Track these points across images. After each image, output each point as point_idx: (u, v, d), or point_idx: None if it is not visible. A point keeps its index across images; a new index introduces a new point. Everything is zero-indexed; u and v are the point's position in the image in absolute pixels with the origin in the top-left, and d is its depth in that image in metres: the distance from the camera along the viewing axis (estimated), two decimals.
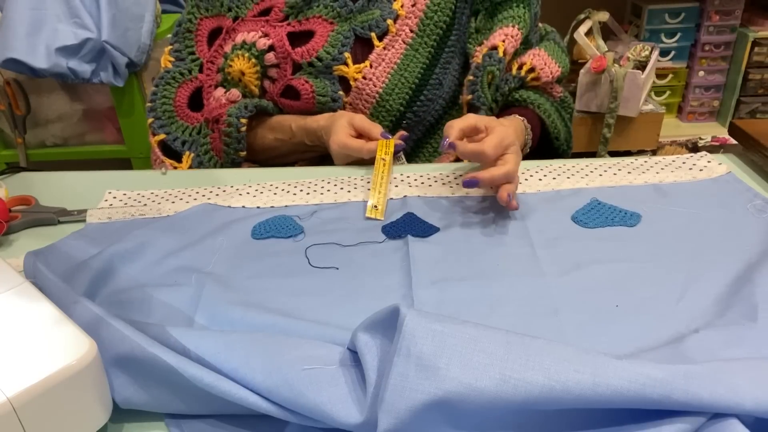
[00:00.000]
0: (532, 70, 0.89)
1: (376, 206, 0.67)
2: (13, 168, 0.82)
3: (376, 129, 0.79)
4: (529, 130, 0.83)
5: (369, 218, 0.66)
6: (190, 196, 0.73)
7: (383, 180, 0.71)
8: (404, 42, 0.86)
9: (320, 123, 0.83)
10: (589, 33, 1.81)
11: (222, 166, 0.88)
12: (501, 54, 0.84)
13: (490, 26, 0.88)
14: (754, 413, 0.36)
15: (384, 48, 0.86)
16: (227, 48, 0.90)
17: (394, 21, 0.87)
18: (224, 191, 0.74)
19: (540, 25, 0.97)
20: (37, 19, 1.40)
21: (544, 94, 0.92)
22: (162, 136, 0.93)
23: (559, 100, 0.95)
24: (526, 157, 0.88)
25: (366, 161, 0.79)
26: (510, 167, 0.65)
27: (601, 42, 1.80)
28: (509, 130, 0.69)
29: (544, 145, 0.92)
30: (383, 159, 0.74)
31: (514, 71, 0.89)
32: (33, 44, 1.39)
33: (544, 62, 0.90)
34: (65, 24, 1.42)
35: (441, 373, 0.36)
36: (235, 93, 0.89)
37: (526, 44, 0.91)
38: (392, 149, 0.76)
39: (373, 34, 0.86)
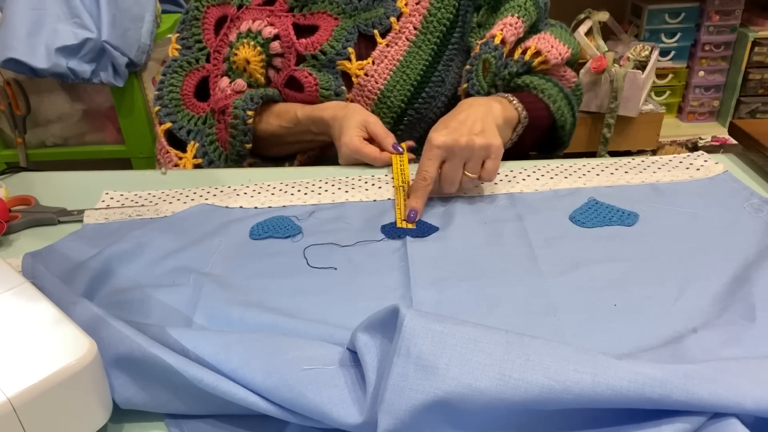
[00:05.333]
0: (538, 53, 0.87)
1: (404, 219, 0.66)
2: (13, 168, 0.82)
3: (389, 139, 0.79)
4: (517, 102, 0.80)
5: (400, 227, 0.65)
6: (187, 196, 0.73)
7: (405, 200, 0.69)
8: (407, 39, 0.86)
9: (329, 112, 0.83)
10: (589, 33, 1.81)
11: (227, 158, 0.89)
12: (497, 42, 0.83)
13: (492, 21, 0.88)
14: (753, 412, 0.36)
15: (387, 45, 0.86)
16: (232, 37, 0.90)
17: (398, 19, 0.87)
18: (222, 192, 0.74)
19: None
20: (37, 19, 1.40)
21: (553, 80, 0.89)
22: (168, 125, 0.93)
23: (571, 88, 0.92)
24: (524, 157, 0.88)
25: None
26: (423, 166, 0.66)
27: (601, 42, 1.80)
28: (432, 134, 0.68)
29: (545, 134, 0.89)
30: (402, 186, 0.73)
31: (516, 56, 0.86)
32: (33, 44, 1.39)
33: (550, 44, 0.88)
34: (65, 24, 1.42)
35: (441, 373, 0.36)
36: (240, 83, 0.89)
37: (533, 32, 0.89)
38: (407, 164, 0.76)
39: (376, 32, 0.86)
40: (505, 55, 0.85)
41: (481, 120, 0.70)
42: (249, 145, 0.86)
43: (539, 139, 0.88)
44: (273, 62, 0.89)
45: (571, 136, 0.92)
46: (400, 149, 0.78)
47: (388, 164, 0.78)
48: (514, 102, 0.80)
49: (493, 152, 0.67)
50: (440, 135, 0.67)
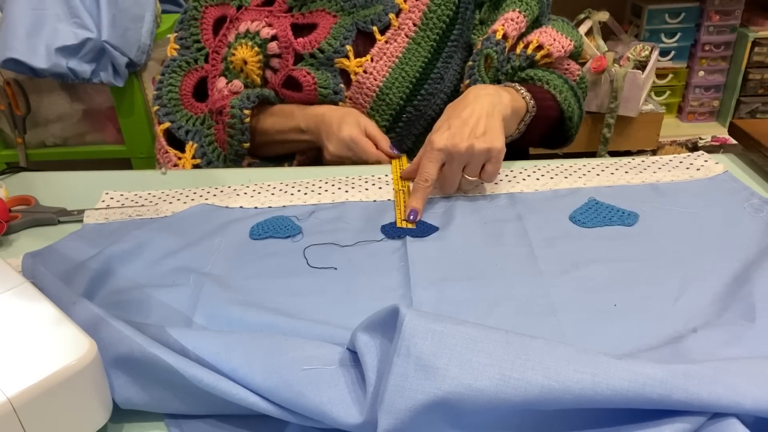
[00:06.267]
0: (540, 47, 0.86)
1: (404, 219, 0.66)
2: (13, 168, 0.82)
3: (385, 141, 0.80)
4: (525, 92, 0.79)
5: (400, 227, 0.65)
6: (187, 196, 0.73)
7: (405, 202, 0.69)
8: (407, 36, 0.86)
9: (324, 109, 0.84)
10: (589, 33, 1.81)
11: (225, 158, 0.89)
12: (499, 37, 0.83)
13: (494, 17, 0.88)
14: (753, 413, 0.36)
15: (386, 42, 0.86)
16: (231, 38, 0.90)
17: (397, 15, 0.87)
18: (222, 192, 0.74)
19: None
20: (37, 19, 1.40)
21: (556, 72, 0.89)
22: (167, 125, 0.93)
23: (576, 81, 0.92)
24: (525, 157, 0.88)
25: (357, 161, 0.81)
26: (424, 167, 0.66)
27: (601, 42, 1.80)
28: (433, 135, 0.68)
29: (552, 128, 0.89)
30: (401, 190, 0.72)
31: (518, 50, 0.86)
32: (33, 44, 1.39)
33: (552, 38, 0.87)
34: (65, 24, 1.42)
35: (440, 373, 0.36)
36: (237, 84, 0.89)
37: (535, 27, 0.89)
38: (406, 166, 0.76)
39: (375, 28, 0.86)
40: (507, 50, 0.85)
41: (485, 117, 0.68)
42: (247, 145, 0.86)
43: (547, 131, 0.88)
44: (270, 63, 0.89)
45: (578, 129, 0.92)
46: (396, 151, 0.78)
47: (379, 161, 0.79)
48: (522, 91, 0.79)
49: (493, 156, 0.67)
50: (441, 138, 0.67)
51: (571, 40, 0.89)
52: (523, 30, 0.86)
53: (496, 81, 0.86)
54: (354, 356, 0.42)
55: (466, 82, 0.86)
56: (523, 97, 0.78)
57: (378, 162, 0.80)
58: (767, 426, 0.36)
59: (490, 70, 0.85)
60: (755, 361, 0.39)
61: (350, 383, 0.40)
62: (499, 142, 0.67)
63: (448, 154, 0.66)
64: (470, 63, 0.85)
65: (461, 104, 0.71)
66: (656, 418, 0.36)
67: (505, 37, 0.84)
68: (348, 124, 0.80)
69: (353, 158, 0.81)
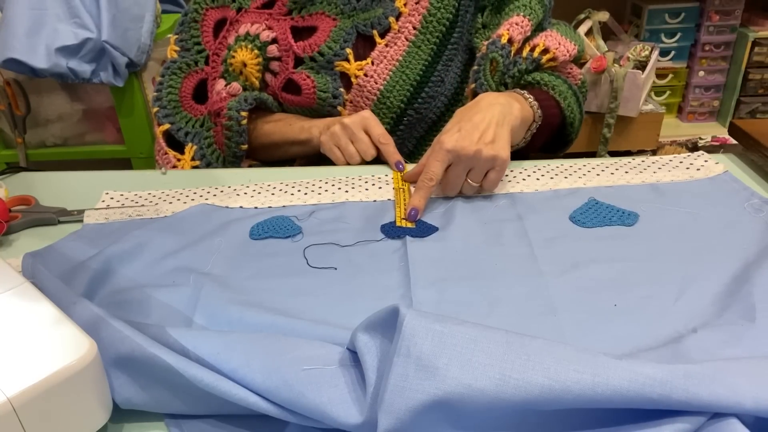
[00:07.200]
0: (546, 51, 0.86)
1: (404, 218, 0.66)
2: (13, 168, 0.82)
3: (395, 156, 0.80)
4: (533, 101, 0.79)
5: (399, 226, 0.65)
6: (187, 196, 0.73)
7: (405, 201, 0.70)
8: (407, 39, 0.86)
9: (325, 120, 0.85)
10: (589, 33, 1.81)
11: (225, 160, 0.89)
12: (504, 41, 0.83)
13: (497, 21, 0.88)
14: (753, 412, 0.36)
15: (386, 45, 0.86)
16: (231, 40, 0.90)
17: (397, 18, 0.87)
18: (222, 192, 0.74)
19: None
20: (37, 19, 1.40)
21: (561, 76, 0.89)
22: (167, 126, 0.93)
23: (578, 85, 0.92)
24: (525, 157, 0.88)
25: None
26: (430, 166, 0.67)
27: (601, 42, 1.80)
28: (443, 136, 0.69)
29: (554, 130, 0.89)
30: (402, 188, 0.73)
31: (525, 53, 0.86)
32: (33, 44, 1.39)
33: (557, 42, 0.88)
34: (65, 24, 1.42)
35: (441, 373, 0.36)
36: (235, 86, 0.89)
37: (538, 31, 0.89)
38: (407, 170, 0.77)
39: (375, 32, 0.86)
40: (513, 53, 0.85)
41: (495, 125, 0.69)
42: (245, 146, 0.86)
43: (549, 138, 0.88)
44: (270, 66, 0.89)
45: (578, 133, 0.92)
46: (401, 167, 0.78)
47: (360, 162, 0.80)
48: (530, 100, 0.79)
49: (498, 164, 0.68)
50: (451, 139, 0.67)
51: (575, 44, 0.90)
52: (528, 34, 0.85)
53: (503, 84, 0.86)
54: (354, 356, 0.42)
55: (472, 86, 0.85)
56: (531, 106, 0.79)
57: (371, 154, 0.80)
58: (767, 426, 0.36)
59: (496, 74, 0.85)
60: (755, 361, 0.39)
61: (350, 383, 0.40)
62: (505, 152, 0.68)
63: (455, 155, 0.67)
64: (475, 67, 0.85)
65: (474, 109, 0.72)
66: (656, 418, 0.36)
67: (510, 41, 0.83)
68: (367, 112, 0.83)
69: (356, 135, 0.80)
